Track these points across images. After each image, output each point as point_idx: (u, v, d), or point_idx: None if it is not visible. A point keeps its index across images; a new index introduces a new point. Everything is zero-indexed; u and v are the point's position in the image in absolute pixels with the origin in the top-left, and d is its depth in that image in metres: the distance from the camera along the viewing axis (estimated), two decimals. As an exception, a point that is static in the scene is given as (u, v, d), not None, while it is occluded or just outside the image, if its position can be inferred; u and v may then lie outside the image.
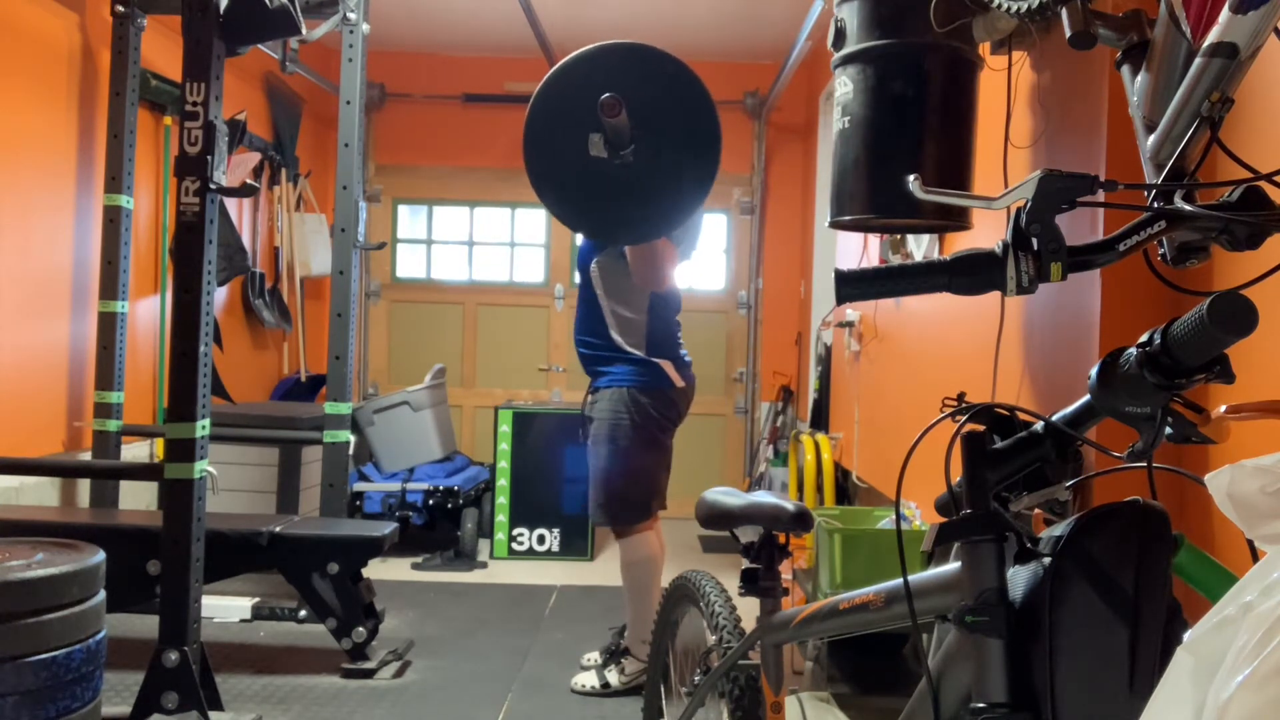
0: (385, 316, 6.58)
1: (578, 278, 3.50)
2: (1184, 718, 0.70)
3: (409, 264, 6.65)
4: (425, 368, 5.62)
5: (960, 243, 3.01)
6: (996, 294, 1.01)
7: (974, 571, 1.04)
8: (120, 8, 3.81)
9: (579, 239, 3.54)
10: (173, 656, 2.62)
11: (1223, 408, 1.15)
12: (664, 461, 3.35)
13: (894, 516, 1.89)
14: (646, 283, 3.25)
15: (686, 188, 2.90)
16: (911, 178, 1.23)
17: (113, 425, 3.87)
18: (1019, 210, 1.00)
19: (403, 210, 6.63)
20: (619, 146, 2.82)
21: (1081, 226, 2.14)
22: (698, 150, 2.88)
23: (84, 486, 3.98)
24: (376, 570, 4.27)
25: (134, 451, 4.23)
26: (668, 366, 3.30)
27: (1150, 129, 1.49)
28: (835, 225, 2.61)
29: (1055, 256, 0.99)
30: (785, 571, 3.04)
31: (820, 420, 5.12)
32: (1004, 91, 2.52)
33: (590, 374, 3.40)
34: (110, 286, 3.87)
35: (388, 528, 3.42)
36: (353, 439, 4.08)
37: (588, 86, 2.79)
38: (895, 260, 3.65)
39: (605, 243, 3.27)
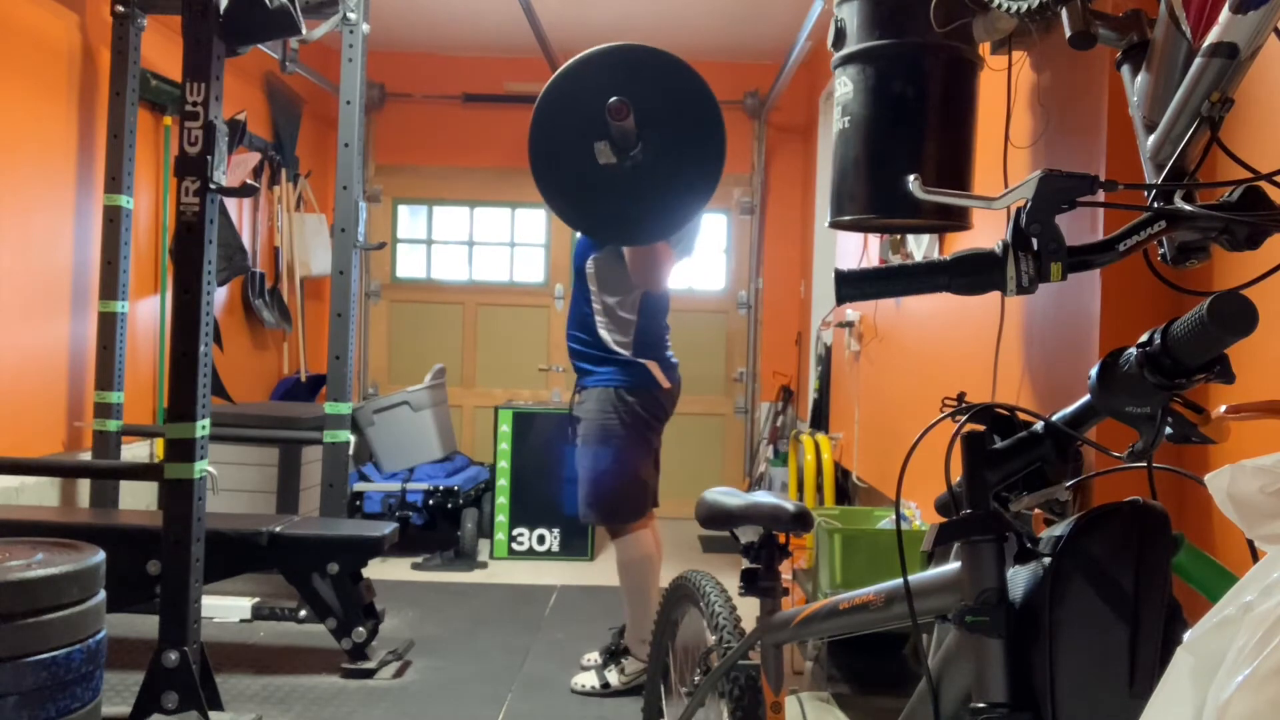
0: (385, 316, 6.58)
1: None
2: (1184, 718, 0.70)
3: (409, 264, 6.65)
4: (425, 368, 5.61)
5: (960, 243, 3.01)
6: (996, 294, 1.01)
7: (974, 571, 1.04)
8: (120, 8, 3.81)
9: (577, 235, 3.54)
10: (173, 656, 2.62)
11: (1223, 408, 1.15)
12: (653, 460, 3.36)
13: (894, 516, 1.89)
14: (645, 282, 3.26)
15: (693, 185, 2.91)
16: (911, 178, 1.23)
17: (113, 425, 3.87)
18: (1019, 210, 1.01)
19: (403, 210, 6.63)
20: (626, 149, 2.82)
21: (1081, 226, 2.14)
22: (702, 146, 2.89)
23: (84, 486, 3.98)
24: (376, 570, 4.27)
25: (134, 451, 4.23)
26: (654, 368, 3.30)
27: (1150, 129, 1.49)
28: (835, 225, 2.61)
29: (1055, 256, 0.99)
30: (785, 571, 3.04)
31: (820, 420, 5.12)
32: (1004, 91, 2.52)
33: (577, 372, 3.41)
34: (110, 286, 3.87)
35: (388, 528, 3.42)
36: (353, 439, 4.08)
37: (591, 89, 2.79)
38: (895, 260, 3.65)
39: (615, 244, 3.26)
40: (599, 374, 3.31)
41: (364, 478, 5.14)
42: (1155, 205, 1.12)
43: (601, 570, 5.01)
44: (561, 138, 2.88)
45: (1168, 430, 0.95)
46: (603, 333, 3.30)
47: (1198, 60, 1.32)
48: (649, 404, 3.30)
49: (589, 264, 3.33)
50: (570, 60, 2.90)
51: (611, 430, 3.25)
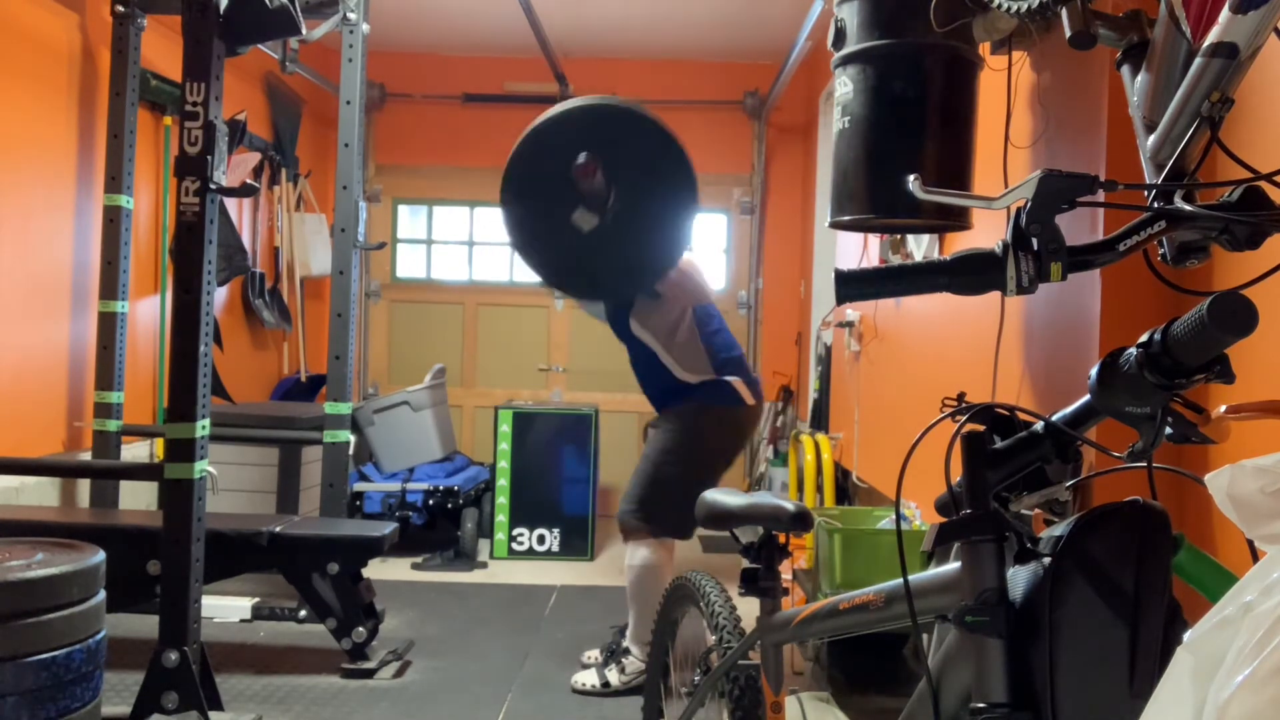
0: (385, 316, 6.58)
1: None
2: (1184, 718, 0.70)
3: (409, 264, 6.65)
4: (425, 368, 5.61)
5: (960, 243, 3.01)
6: (996, 294, 1.01)
7: (974, 571, 1.04)
8: (120, 8, 3.81)
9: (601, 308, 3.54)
10: (173, 656, 2.62)
11: (1223, 408, 1.15)
12: (714, 483, 3.35)
13: (894, 516, 1.89)
14: (691, 299, 3.27)
15: (674, 219, 2.96)
16: (911, 178, 1.23)
17: (113, 425, 3.87)
18: (1019, 210, 1.00)
19: (403, 210, 6.63)
20: (603, 205, 2.86)
21: (1081, 226, 2.14)
22: (673, 181, 2.95)
23: (84, 486, 3.98)
24: (376, 570, 4.27)
25: (134, 451, 4.23)
26: (738, 384, 3.30)
27: (1150, 129, 1.49)
28: (835, 225, 2.61)
29: (1055, 256, 0.99)
30: (785, 571, 3.04)
31: (820, 420, 5.12)
32: (1004, 91, 2.52)
33: (662, 407, 3.41)
34: (110, 286, 3.87)
35: (388, 528, 3.42)
36: (353, 439, 4.08)
37: (551, 155, 2.89)
38: (895, 260, 3.65)
39: (627, 297, 3.29)
40: (687, 396, 3.31)
41: (364, 478, 5.14)
42: (1155, 205, 1.12)
43: (601, 570, 5.01)
44: (538, 215, 2.97)
45: (1168, 430, 0.95)
46: (675, 370, 3.30)
47: (1198, 60, 1.32)
48: (729, 421, 3.30)
49: (633, 325, 3.32)
50: (521, 136, 2.96)
51: (684, 442, 3.25)
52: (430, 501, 5.05)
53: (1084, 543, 0.98)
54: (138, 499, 4.24)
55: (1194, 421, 0.95)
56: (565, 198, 2.86)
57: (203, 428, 2.68)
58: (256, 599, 3.76)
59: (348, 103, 3.91)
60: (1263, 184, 1.07)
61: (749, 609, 1.71)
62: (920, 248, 3.49)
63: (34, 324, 3.72)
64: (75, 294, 3.94)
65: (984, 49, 2.52)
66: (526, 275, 6.58)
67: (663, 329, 3.30)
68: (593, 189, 2.81)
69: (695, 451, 3.24)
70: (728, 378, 3.29)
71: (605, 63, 6.36)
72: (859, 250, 4.16)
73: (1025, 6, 1.86)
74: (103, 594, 2.28)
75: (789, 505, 1.66)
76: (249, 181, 3.69)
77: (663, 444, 3.30)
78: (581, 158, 2.78)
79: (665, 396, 3.35)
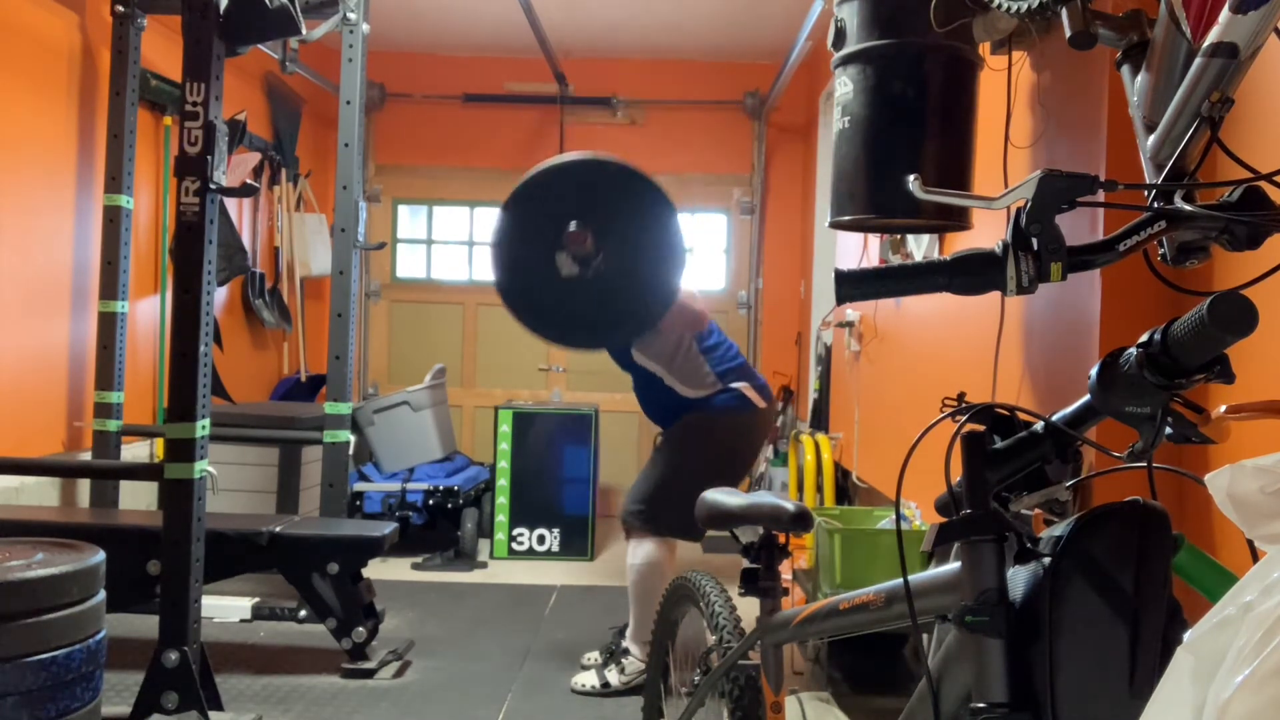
0: (385, 316, 6.58)
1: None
2: (1184, 718, 0.70)
3: (409, 264, 6.65)
4: (425, 368, 5.61)
5: (960, 243, 3.01)
6: (996, 294, 1.01)
7: (974, 571, 1.04)
8: (120, 8, 3.81)
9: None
10: (173, 656, 2.62)
11: (1223, 408, 1.15)
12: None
13: (894, 516, 1.89)
14: (687, 327, 3.28)
15: (663, 266, 3.00)
16: (911, 178, 1.22)
17: (113, 425, 3.87)
18: (1019, 210, 1.00)
19: (403, 210, 6.63)
20: (589, 260, 2.91)
21: (1081, 226, 2.14)
22: (658, 229, 2.99)
23: (84, 486, 3.98)
24: (376, 570, 4.27)
25: (134, 451, 4.23)
26: (746, 389, 3.31)
27: (1150, 129, 1.49)
28: (835, 225, 2.61)
29: (1055, 256, 0.99)
30: (785, 571, 3.04)
31: (820, 420, 5.12)
32: (1004, 91, 2.52)
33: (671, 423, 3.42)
34: (110, 286, 3.87)
35: (388, 528, 3.42)
36: (353, 439, 4.08)
37: (540, 214, 2.94)
38: (895, 260, 3.65)
39: (622, 345, 3.32)
40: (691, 410, 3.31)
41: (364, 478, 5.14)
42: (1155, 205, 1.12)
43: (601, 570, 5.01)
44: (527, 272, 3.03)
45: (1168, 430, 0.95)
46: (681, 389, 3.31)
47: (1198, 60, 1.32)
48: (742, 426, 3.30)
49: (635, 356, 3.34)
50: (509, 196, 3.01)
51: (698, 447, 3.25)
52: (430, 501, 5.05)
53: (1084, 543, 0.98)
54: (138, 499, 4.24)
55: (1194, 421, 0.95)
56: (553, 254, 2.93)
57: (203, 428, 2.68)
58: (256, 599, 3.76)
59: (348, 103, 3.91)
60: (1263, 184, 1.07)
61: (749, 609, 1.71)
62: (920, 248, 3.49)
63: (34, 324, 3.72)
64: (75, 294, 3.94)
65: (984, 49, 2.52)
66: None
67: (664, 354, 3.32)
68: (583, 253, 2.90)
69: (708, 455, 3.24)
70: (734, 385, 3.30)
71: (605, 63, 6.36)
72: (859, 250, 4.16)
73: (1025, 6, 1.86)
74: (103, 594, 2.27)
75: (789, 505, 1.66)
76: (249, 181, 3.68)
77: (675, 448, 3.30)
78: (572, 226, 2.87)
79: (674, 413, 3.37)
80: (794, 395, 6.28)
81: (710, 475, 3.19)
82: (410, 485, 5.09)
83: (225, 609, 3.72)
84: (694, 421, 3.31)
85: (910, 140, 2.41)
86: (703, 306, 3.32)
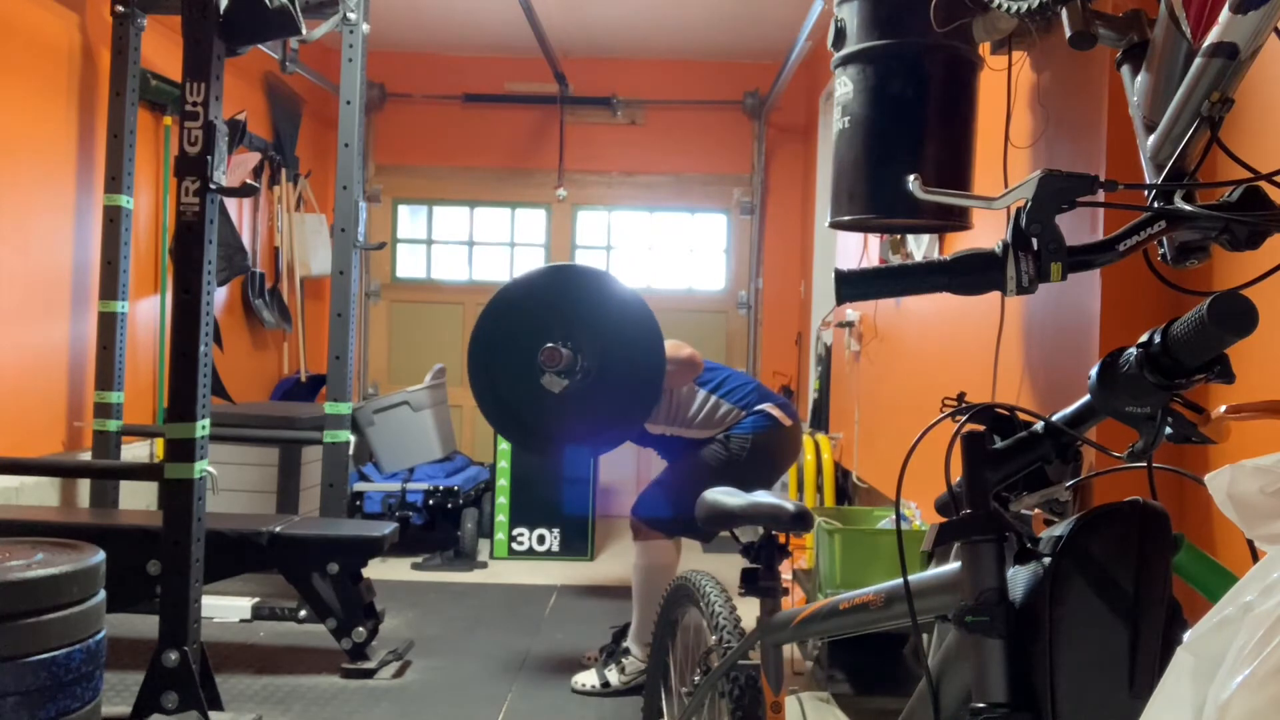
0: (385, 316, 6.58)
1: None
2: (1184, 718, 0.70)
3: (409, 264, 6.65)
4: (425, 368, 5.61)
5: (960, 243, 3.01)
6: (996, 294, 1.01)
7: (974, 571, 1.04)
8: (120, 8, 3.81)
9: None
10: (173, 656, 2.62)
11: (1223, 408, 1.15)
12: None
13: (894, 516, 1.89)
14: (683, 381, 3.28)
15: (646, 359, 3.03)
16: (911, 178, 1.22)
17: (113, 425, 3.87)
18: (1019, 210, 1.00)
19: (403, 210, 6.63)
20: (572, 369, 2.94)
21: (1081, 226, 2.14)
22: (636, 329, 3.02)
23: (84, 486, 3.98)
24: (376, 570, 4.27)
25: (134, 451, 4.23)
26: (770, 409, 3.30)
27: (1150, 129, 1.49)
28: (835, 225, 2.61)
29: (1055, 256, 0.99)
30: (785, 571, 3.04)
31: (820, 420, 5.12)
32: (1004, 91, 2.52)
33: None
34: (110, 286, 3.87)
35: (388, 528, 3.42)
36: (353, 439, 4.08)
37: (514, 329, 3.00)
38: (895, 260, 3.65)
39: (613, 445, 3.35)
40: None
41: (364, 478, 5.14)
42: (1155, 205, 1.12)
43: (601, 570, 5.01)
44: (508, 388, 3.04)
45: (1168, 430, 0.95)
46: (702, 436, 3.30)
47: (1198, 60, 1.32)
48: (769, 445, 3.28)
49: (649, 429, 3.33)
50: (484, 310, 3.07)
51: (724, 461, 3.23)
52: (430, 501, 5.05)
53: (1084, 543, 0.98)
54: (138, 499, 4.24)
55: (1194, 421, 0.95)
56: (532, 370, 2.95)
57: (203, 428, 2.68)
58: (256, 599, 3.76)
59: (348, 103, 3.91)
60: (1263, 184, 1.07)
61: (749, 609, 1.71)
62: (920, 248, 3.49)
63: (34, 324, 3.72)
64: (75, 294, 3.94)
65: (984, 49, 2.52)
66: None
67: (675, 416, 3.31)
68: (563, 364, 2.92)
69: (733, 470, 3.21)
70: (757, 408, 3.30)
71: (605, 63, 6.36)
72: (859, 250, 4.16)
73: (1025, 6, 1.86)
74: (103, 594, 2.28)
75: (789, 505, 1.66)
76: (249, 181, 3.69)
77: (701, 459, 3.27)
78: (545, 350, 2.90)
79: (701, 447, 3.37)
80: (794, 395, 6.28)
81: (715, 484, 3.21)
82: (410, 485, 5.08)
83: (225, 609, 3.72)
84: (719, 442, 3.29)
85: (910, 140, 2.41)
86: (689, 350, 3.26)
